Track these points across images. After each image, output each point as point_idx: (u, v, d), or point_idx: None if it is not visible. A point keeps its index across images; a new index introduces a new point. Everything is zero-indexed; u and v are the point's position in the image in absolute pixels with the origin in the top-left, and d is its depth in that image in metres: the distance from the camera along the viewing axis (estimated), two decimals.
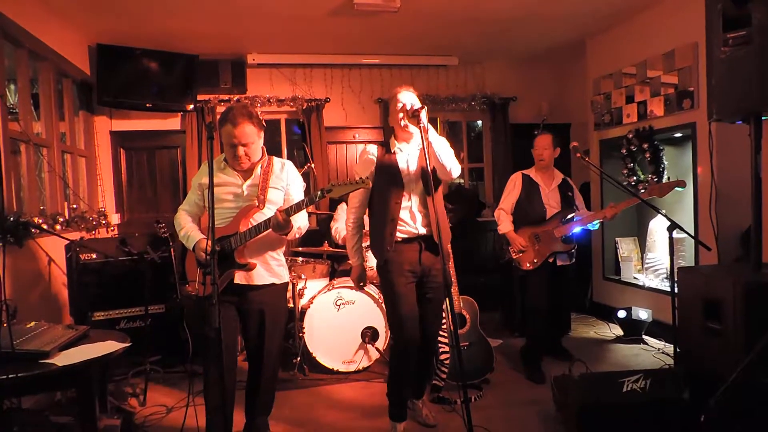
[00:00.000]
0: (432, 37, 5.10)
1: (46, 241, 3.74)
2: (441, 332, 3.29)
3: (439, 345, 3.33)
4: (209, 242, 2.19)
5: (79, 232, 4.33)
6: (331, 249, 4.46)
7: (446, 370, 3.37)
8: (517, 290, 4.68)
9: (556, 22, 4.81)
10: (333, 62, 5.62)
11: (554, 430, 2.96)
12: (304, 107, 5.54)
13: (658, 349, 4.23)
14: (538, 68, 6.13)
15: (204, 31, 4.70)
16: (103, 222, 4.76)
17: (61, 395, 3.26)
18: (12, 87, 3.90)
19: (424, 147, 2.49)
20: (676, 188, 3.48)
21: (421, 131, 2.53)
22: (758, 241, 2.68)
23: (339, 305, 3.93)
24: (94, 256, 3.79)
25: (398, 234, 2.77)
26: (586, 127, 5.52)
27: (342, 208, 4.79)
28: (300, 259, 4.44)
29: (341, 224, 4.67)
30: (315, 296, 3.97)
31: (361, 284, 3.06)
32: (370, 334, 3.90)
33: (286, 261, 2.87)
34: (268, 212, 2.57)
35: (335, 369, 3.87)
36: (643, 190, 4.32)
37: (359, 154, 2.96)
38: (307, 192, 2.78)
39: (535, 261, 3.72)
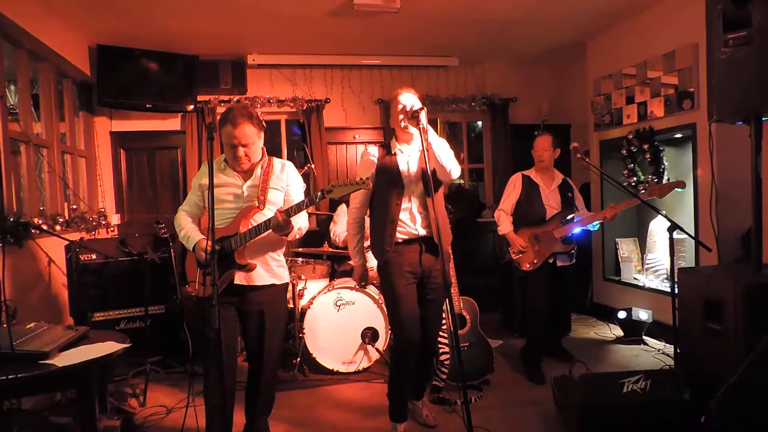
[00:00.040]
0: (432, 37, 5.10)
1: (46, 242, 3.73)
2: (441, 333, 3.29)
3: (439, 345, 3.33)
4: (209, 242, 2.19)
5: (79, 233, 4.32)
6: (331, 250, 4.46)
7: (446, 370, 3.37)
8: (517, 291, 4.68)
9: (556, 22, 4.81)
10: (333, 63, 5.62)
11: (554, 430, 2.96)
12: (304, 108, 5.54)
13: (659, 350, 4.22)
14: (538, 69, 6.13)
15: (204, 32, 4.70)
16: (103, 222, 4.76)
17: (61, 396, 3.26)
18: (12, 87, 3.91)
19: (424, 148, 2.50)
20: (676, 189, 3.48)
21: (420, 132, 2.53)
22: (758, 242, 2.68)
23: (339, 306, 3.93)
24: (94, 256, 3.79)
25: (398, 235, 2.77)
26: (586, 127, 5.52)
27: (342, 209, 4.79)
28: (300, 259, 4.44)
29: (339, 228, 4.68)
30: (315, 297, 3.96)
31: (363, 284, 3.08)
32: (370, 335, 3.90)
33: (286, 262, 2.87)
34: (268, 213, 2.57)
35: (335, 369, 3.87)
36: (643, 191, 4.31)
37: (361, 155, 2.96)
38: (307, 193, 2.78)
39: (535, 262, 3.72)
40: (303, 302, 4.06)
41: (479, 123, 6.49)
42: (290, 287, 3.87)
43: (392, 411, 2.90)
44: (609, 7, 4.48)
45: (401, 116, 2.71)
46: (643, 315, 4.56)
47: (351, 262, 4.20)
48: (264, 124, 2.65)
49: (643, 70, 4.63)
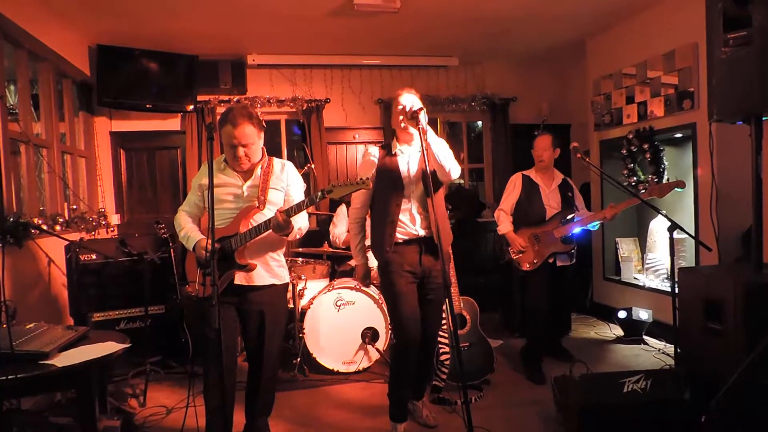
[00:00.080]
0: (432, 37, 5.10)
1: (45, 242, 3.73)
2: (441, 333, 3.29)
3: (440, 345, 3.33)
4: (209, 242, 2.19)
5: (79, 233, 4.32)
6: (331, 250, 4.46)
7: (446, 370, 3.37)
8: (517, 291, 4.68)
9: (556, 22, 4.81)
10: (333, 63, 5.61)
11: (555, 430, 2.96)
12: (304, 108, 5.54)
13: (659, 350, 4.22)
14: (538, 68, 6.13)
15: (204, 32, 4.70)
16: (103, 223, 4.76)
17: (61, 396, 3.26)
18: (12, 87, 3.91)
19: (423, 148, 2.50)
20: (676, 189, 3.48)
21: (419, 132, 2.53)
22: (759, 242, 2.68)
23: (339, 306, 3.93)
24: (93, 256, 3.79)
25: (398, 236, 2.77)
26: (586, 127, 5.52)
27: (341, 211, 4.78)
28: (300, 259, 4.44)
29: (339, 229, 4.68)
30: (315, 297, 3.96)
31: (367, 282, 3.11)
32: (370, 335, 3.90)
33: (286, 262, 2.87)
34: (268, 213, 2.57)
35: (335, 369, 3.87)
36: (643, 191, 4.31)
37: (362, 155, 2.96)
38: (307, 193, 2.78)
39: (535, 261, 3.72)
40: (303, 302, 4.06)
41: (479, 123, 6.49)
42: (290, 287, 3.87)
43: (392, 411, 2.90)
44: (609, 6, 4.48)
45: (401, 117, 2.71)
46: (643, 315, 4.56)
47: (352, 262, 4.20)
48: (264, 124, 2.65)
49: (643, 69, 4.63)
